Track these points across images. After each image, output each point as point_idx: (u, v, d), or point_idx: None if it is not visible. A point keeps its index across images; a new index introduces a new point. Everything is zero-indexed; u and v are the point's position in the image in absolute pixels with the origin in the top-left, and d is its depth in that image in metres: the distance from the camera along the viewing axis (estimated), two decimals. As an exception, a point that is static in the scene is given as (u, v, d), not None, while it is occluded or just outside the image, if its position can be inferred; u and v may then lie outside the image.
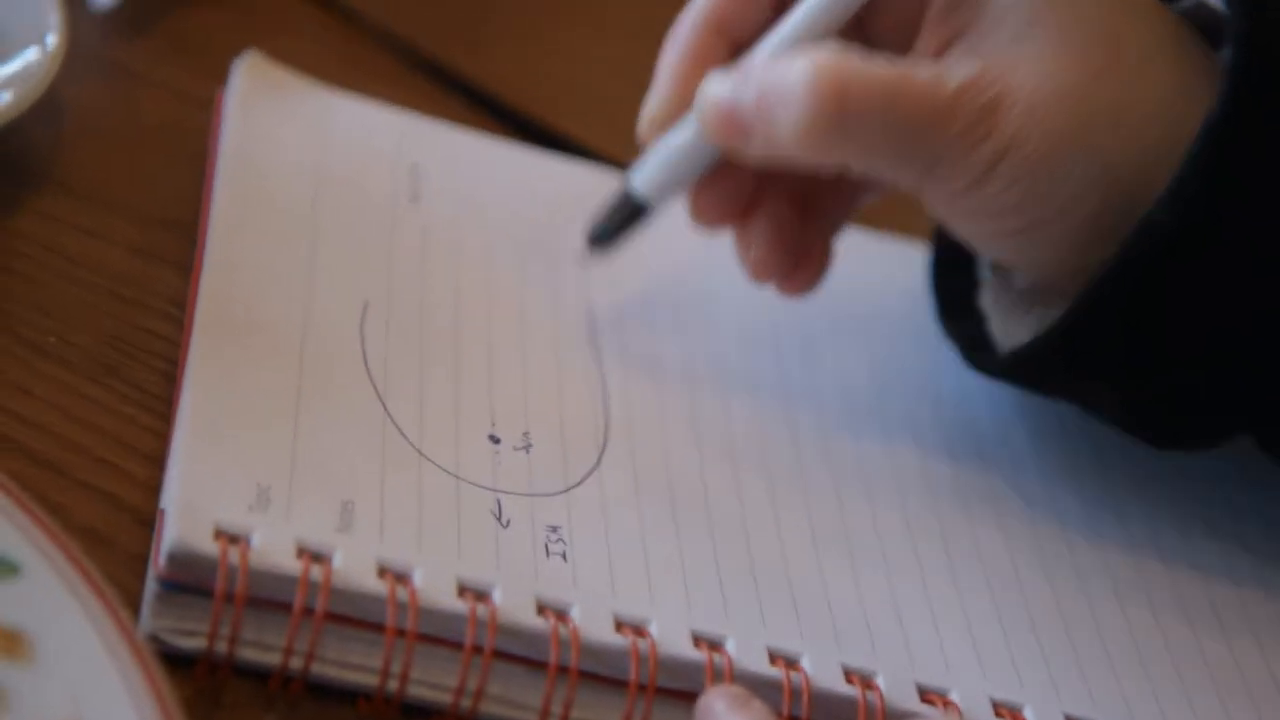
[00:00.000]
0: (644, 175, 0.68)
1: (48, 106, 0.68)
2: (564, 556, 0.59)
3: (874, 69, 0.62)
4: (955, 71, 0.62)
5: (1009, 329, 0.68)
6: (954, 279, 0.71)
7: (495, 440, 0.62)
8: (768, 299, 0.70)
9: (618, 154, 0.75)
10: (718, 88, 0.65)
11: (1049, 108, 0.61)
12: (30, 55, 0.68)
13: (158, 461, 0.60)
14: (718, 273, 0.71)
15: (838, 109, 0.62)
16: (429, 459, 0.60)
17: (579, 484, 0.62)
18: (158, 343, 0.64)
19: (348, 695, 0.56)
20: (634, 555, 0.59)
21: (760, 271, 0.69)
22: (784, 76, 0.63)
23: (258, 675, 0.55)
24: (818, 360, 0.71)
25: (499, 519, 0.59)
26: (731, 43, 0.67)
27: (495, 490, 0.60)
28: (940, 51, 0.64)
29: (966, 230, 0.65)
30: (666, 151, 0.67)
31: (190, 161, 0.71)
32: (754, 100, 0.64)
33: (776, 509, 0.63)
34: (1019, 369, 0.66)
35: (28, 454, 0.59)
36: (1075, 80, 0.62)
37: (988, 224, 0.64)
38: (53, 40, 0.68)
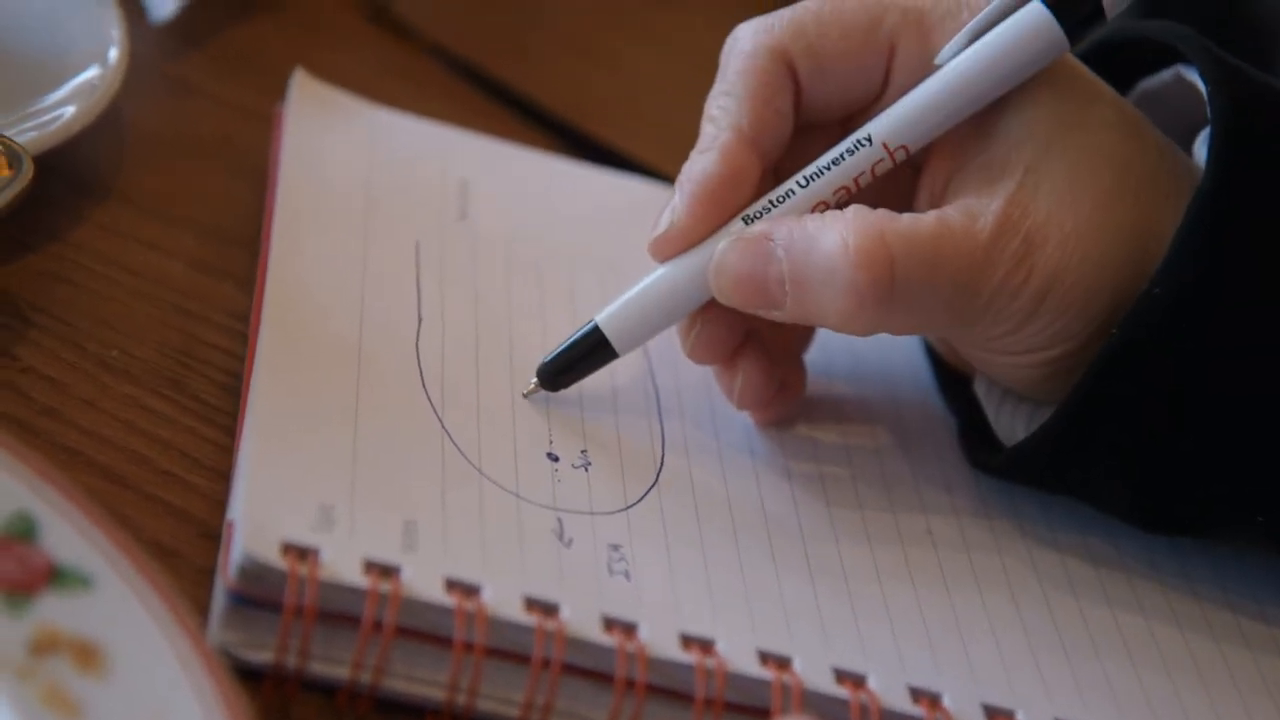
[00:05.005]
0: (619, 317, 0.64)
1: (110, 121, 0.69)
2: (626, 575, 0.59)
3: (911, 229, 0.60)
4: (983, 214, 0.61)
5: (1002, 422, 0.67)
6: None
7: (554, 458, 0.63)
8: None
9: (667, 167, 0.75)
10: (739, 261, 0.61)
11: (1079, 236, 0.61)
12: (92, 71, 0.68)
13: (221, 475, 0.60)
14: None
15: (888, 288, 0.60)
16: (489, 478, 0.61)
17: (638, 501, 0.62)
18: (219, 356, 0.65)
19: (415, 711, 0.56)
20: (695, 574, 0.60)
21: (746, 401, 0.65)
22: (819, 252, 0.60)
23: (325, 690, 0.56)
24: (870, 378, 0.71)
25: (560, 538, 0.59)
26: (763, 157, 0.63)
27: (556, 509, 0.60)
28: (950, 177, 0.63)
29: (1003, 367, 0.64)
30: (652, 297, 0.63)
31: (247, 175, 0.72)
32: (786, 278, 0.61)
33: (834, 526, 0.64)
34: (1022, 462, 0.64)
35: (94, 467, 0.59)
36: (1092, 207, 0.61)
37: (1028, 357, 0.63)
38: (114, 55, 0.69)
